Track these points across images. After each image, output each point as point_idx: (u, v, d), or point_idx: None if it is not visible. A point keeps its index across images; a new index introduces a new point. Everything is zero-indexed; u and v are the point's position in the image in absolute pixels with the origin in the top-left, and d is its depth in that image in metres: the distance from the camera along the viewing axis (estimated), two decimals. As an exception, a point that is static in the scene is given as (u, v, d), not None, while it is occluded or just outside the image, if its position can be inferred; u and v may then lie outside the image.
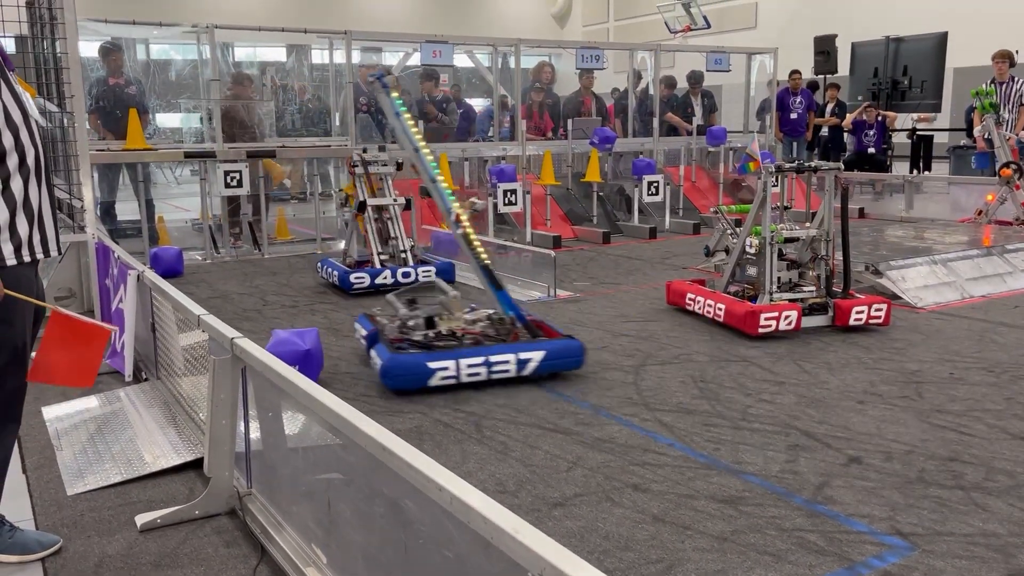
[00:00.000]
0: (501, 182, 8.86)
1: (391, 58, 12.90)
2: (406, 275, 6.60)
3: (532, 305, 6.27)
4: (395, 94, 4.67)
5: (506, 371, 4.30)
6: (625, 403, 4.08)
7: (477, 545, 1.58)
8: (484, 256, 4.56)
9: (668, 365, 4.71)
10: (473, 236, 4.56)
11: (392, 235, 6.96)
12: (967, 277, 6.43)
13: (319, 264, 7.17)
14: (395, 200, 7.05)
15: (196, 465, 3.30)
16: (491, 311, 4.73)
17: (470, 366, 4.22)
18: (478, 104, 12.68)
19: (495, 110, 10.47)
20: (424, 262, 6.93)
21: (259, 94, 11.49)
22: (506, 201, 8.86)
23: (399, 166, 7.24)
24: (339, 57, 10.02)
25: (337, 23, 10.29)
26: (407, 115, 4.70)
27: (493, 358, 4.28)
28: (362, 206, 6.86)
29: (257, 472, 2.91)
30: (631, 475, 3.24)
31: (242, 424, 2.84)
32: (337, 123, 10.16)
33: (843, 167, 11.91)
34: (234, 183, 8.16)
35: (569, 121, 10.38)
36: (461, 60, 13.12)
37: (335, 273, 6.69)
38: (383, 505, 2.08)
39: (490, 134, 10.49)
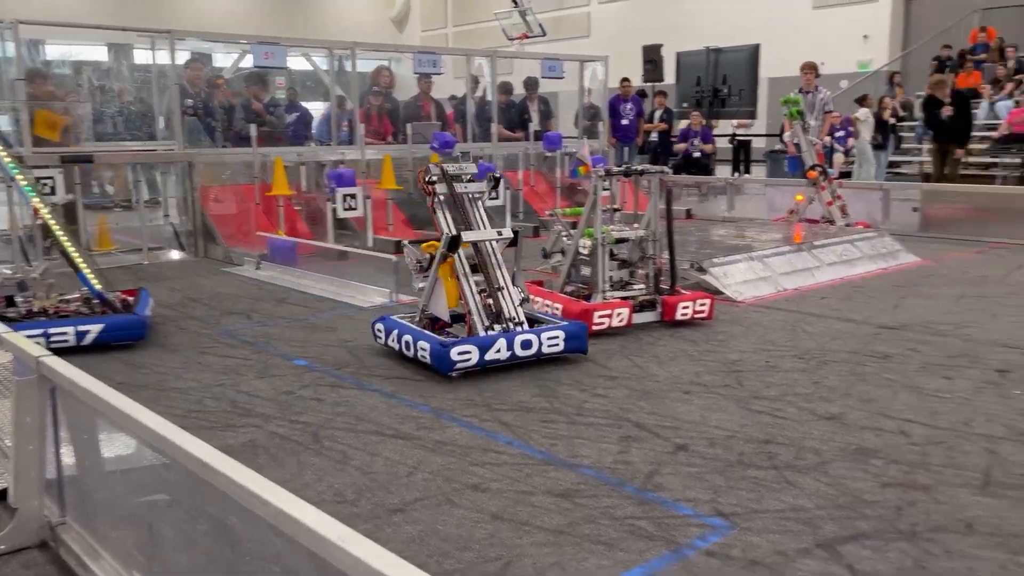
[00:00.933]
0: (340, 186, 8.70)
1: (224, 60, 12.39)
2: (526, 345, 4.61)
3: (374, 310, 6.21)
4: None
5: (65, 341, 4.89)
6: (466, 405, 4.11)
7: (305, 558, 1.55)
8: (66, 242, 5.24)
9: (508, 365, 4.78)
10: (54, 225, 5.24)
11: (496, 284, 4.81)
12: (781, 272, 6.93)
13: (377, 326, 5.03)
14: (499, 233, 4.97)
15: (1, 497, 3.03)
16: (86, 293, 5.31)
17: (28, 337, 4.93)
18: (317, 107, 12.40)
19: (332, 114, 10.29)
20: (536, 321, 4.95)
21: (76, 95, 10.72)
22: (346, 206, 8.72)
23: (496, 182, 5.14)
24: (163, 57, 9.51)
25: (164, 22, 9.75)
26: None
27: (52, 330, 4.90)
28: (454, 242, 4.69)
29: (71, 499, 2.71)
30: (471, 476, 3.27)
31: (52, 448, 2.64)
32: (163, 127, 9.64)
33: (671, 171, 12.48)
34: (46, 190, 7.56)
35: (408, 125, 10.35)
36: (299, 63, 12.81)
37: (426, 346, 4.54)
38: (208, 524, 2.00)
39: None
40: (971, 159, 12.82)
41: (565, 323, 4.86)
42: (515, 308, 4.79)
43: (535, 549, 2.71)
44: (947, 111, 10.86)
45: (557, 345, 4.71)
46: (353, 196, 8.75)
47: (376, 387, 4.40)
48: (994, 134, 13.56)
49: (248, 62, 9.89)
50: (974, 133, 12.44)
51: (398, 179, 9.76)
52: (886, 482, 3.18)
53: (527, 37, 20.91)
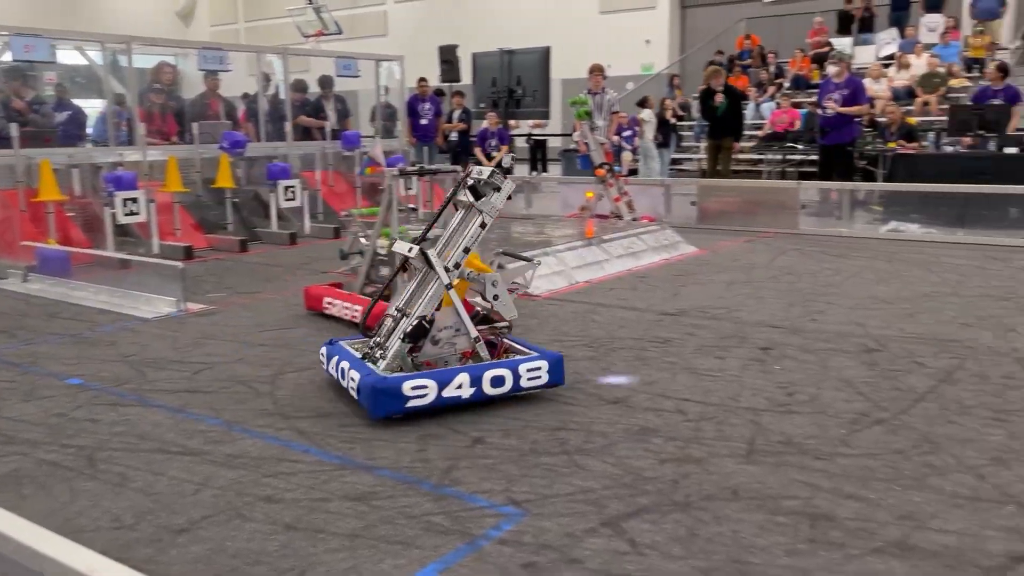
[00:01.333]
0: (119, 190, 8.13)
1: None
2: (341, 373, 4.12)
3: (159, 322, 5.86)
4: None
5: None
6: (260, 415, 3.97)
7: (59, 591, 1.44)
8: None
9: (306, 371, 4.68)
10: None
11: (402, 308, 4.21)
12: (573, 266, 7.24)
13: None
14: (409, 249, 4.29)
15: None
16: None
17: None
18: (94, 106, 11.47)
19: (109, 113, 9.57)
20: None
21: None
22: (126, 211, 8.15)
23: (474, 192, 4.22)
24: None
25: None
26: None
27: None
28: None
29: None
30: (264, 488, 3.17)
31: None
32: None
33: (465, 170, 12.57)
34: None
35: (195, 125, 9.83)
36: (72, 58, 11.78)
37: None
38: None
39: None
40: (741, 156, 14.00)
41: (368, 374, 3.90)
42: (387, 338, 4.15)
43: (330, 556, 2.67)
44: (719, 98, 11.70)
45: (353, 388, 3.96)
46: (134, 200, 8.20)
47: (161, 403, 4.15)
48: (759, 133, 14.89)
49: (8, 56, 9.00)
50: (743, 132, 13.57)
51: (185, 181, 9.25)
52: (664, 458, 3.41)
53: (323, 35, 20.46)
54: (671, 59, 20.21)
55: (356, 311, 5.54)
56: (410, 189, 10.11)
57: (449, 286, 4.12)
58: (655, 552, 2.68)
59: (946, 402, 3.99)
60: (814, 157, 12.79)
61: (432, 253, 4.15)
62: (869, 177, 11.41)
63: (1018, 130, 11.17)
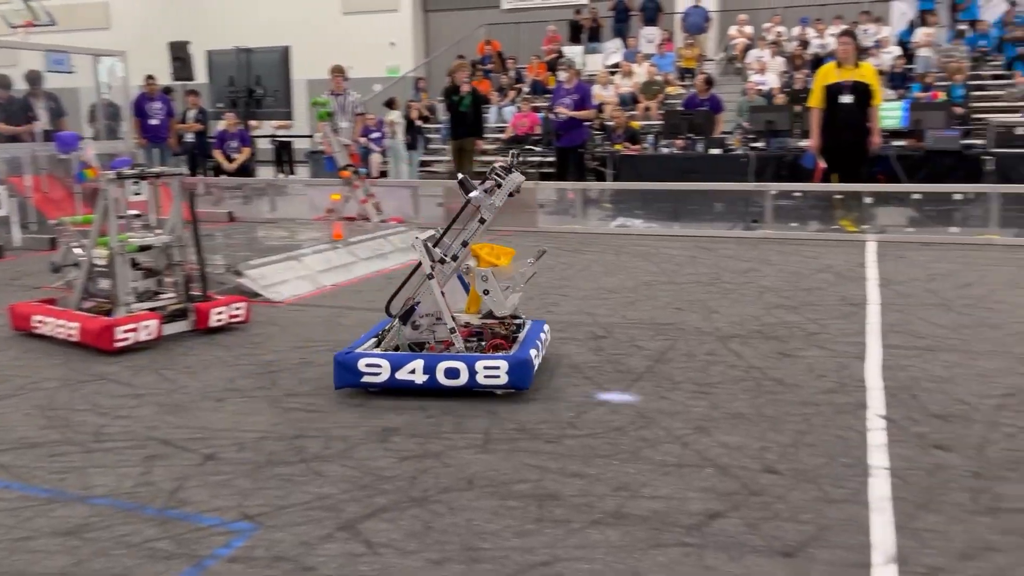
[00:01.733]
0: None
1: None
2: None
3: None
4: None
5: None
6: (-50, 452, 3.51)
7: None
8: None
9: (10, 399, 4.21)
10: None
11: None
12: (319, 269, 7.11)
13: None
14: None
15: None
16: None
17: None
18: None
19: None
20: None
21: None
22: None
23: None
24: None
25: None
26: None
27: None
28: None
29: None
30: (-49, 534, 2.80)
31: None
32: None
33: (214, 172, 12.02)
34: None
35: None
36: None
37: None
38: None
39: None
40: (484, 158, 14.46)
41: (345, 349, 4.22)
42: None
43: (32, 600, 2.42)
44: (465, 88, 11.94)
45: None
46: None
47: None
48: (503, 136, 15.48)
49: None
50: (487, 135, 14.04)
51: None
52: (404, 456, 3.45)
53: (33, 26, 18.41)
54: (416, 62, 20.46)
55: (72, 329, 5.06)
56: (138, 194, 9.38)
57: (431, 275, 4.21)
58: (390, 550, 2.70)
59: (660, 380, 4.39)
60: (552, 159, 13.50)
61: (419, 243, 4.26)
62: (600, 177, 12.26)
63: (723, 133, 12.55)
